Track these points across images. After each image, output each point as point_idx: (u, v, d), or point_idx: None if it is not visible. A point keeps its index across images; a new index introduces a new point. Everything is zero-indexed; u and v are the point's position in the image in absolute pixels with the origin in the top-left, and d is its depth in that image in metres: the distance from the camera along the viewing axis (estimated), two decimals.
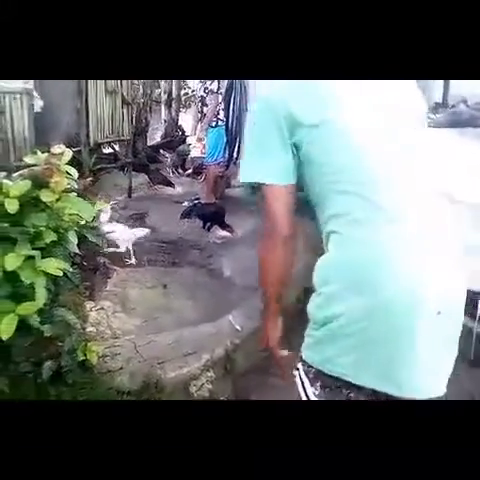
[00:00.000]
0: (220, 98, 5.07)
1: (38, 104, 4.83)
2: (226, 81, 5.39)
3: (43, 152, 1.93)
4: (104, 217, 3.60)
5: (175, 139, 7.67)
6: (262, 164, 1.01)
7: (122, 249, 3.59)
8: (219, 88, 5.01)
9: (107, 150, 6.12)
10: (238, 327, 2.57)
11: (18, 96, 4.57)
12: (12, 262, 1.54)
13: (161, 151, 7.36)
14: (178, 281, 3.48)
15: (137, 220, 4.76)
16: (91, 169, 5.04)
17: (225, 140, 5.29)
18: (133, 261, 3.64)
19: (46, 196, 1.67)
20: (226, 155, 5.47)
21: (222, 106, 5.13)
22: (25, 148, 4.65)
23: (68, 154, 1.86)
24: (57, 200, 1.73)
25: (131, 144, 5.91)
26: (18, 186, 1.66)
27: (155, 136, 8.02)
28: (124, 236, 3.64)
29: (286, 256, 1.07)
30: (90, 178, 4.22)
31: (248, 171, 1.05)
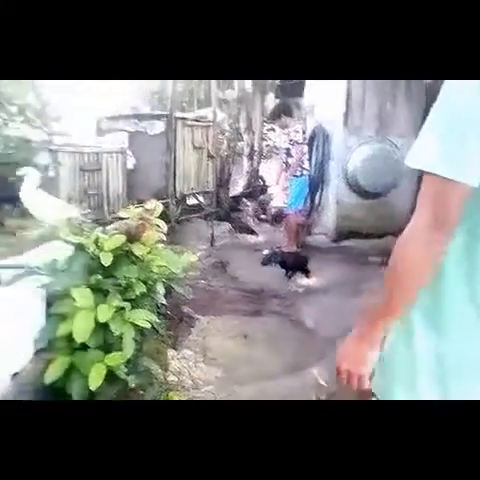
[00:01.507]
0: (305, 149, 5.16)
1: (131, 162, 5.25)
2: (309, 131, 5.51)
3: (135, 206, 2.06)
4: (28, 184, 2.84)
5: (257, 189, 7.88)
6: (459, 159, 0.89)
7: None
8: (304, 139, 5.12)
9: (191, 201, 6.41)
10: (323, 382, 2.45)
11: (114, 155, 4.99)
12: (104, 314, 1.61)
13: (243, 200, 7.57)
14: (259, 331, 3.43)
15: (219, 268, 4.85)
16: (177, 219, 5.29)
17: (308, 189, 5.34)
18: None
19: (138, 250, 1.76)
20: (307, 204, 5.49)
21: (306, 156, 5.22)
22: (118, 202, 5.02)
23: (159, 208, 1.96)
24: (147, 253, 1.82)
25: (215, 195, 6.14)
26: (112, 240, 1.77)
27: (237, 186, 8.30)
28: (52, 210, 2.77)
29: (442, 253, 0.96)
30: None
31: (437, 161, 0.91)
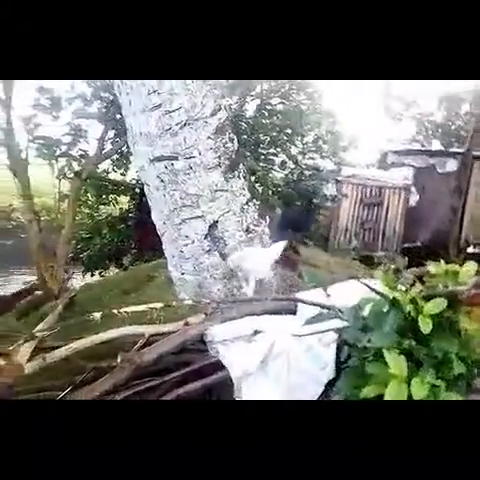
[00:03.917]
0: None
1: (414, 199, 4.93)
2: None
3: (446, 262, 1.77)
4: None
5: None
6: None
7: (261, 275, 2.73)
8: None
9: (471, 250, 5.65)
10: None
11: (397, 190, 4.77)
12: (419, 390, 1.38)
13: None
14: None
15: None
16: None
17: None
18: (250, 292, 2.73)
19: (467, 323, 1.47)
20: None
21: None
22: (392, 239, 4.77)
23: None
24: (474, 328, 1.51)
25: None
26: (433, 304, 1.53)
27: None
28: (263, 259, 2.75)
29: None
30: None
31: None
